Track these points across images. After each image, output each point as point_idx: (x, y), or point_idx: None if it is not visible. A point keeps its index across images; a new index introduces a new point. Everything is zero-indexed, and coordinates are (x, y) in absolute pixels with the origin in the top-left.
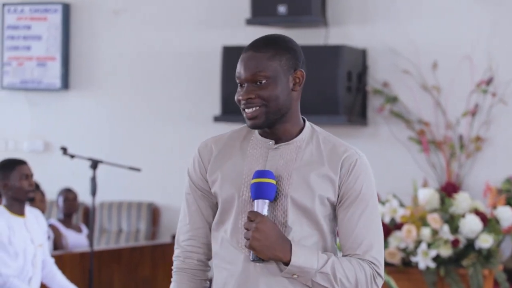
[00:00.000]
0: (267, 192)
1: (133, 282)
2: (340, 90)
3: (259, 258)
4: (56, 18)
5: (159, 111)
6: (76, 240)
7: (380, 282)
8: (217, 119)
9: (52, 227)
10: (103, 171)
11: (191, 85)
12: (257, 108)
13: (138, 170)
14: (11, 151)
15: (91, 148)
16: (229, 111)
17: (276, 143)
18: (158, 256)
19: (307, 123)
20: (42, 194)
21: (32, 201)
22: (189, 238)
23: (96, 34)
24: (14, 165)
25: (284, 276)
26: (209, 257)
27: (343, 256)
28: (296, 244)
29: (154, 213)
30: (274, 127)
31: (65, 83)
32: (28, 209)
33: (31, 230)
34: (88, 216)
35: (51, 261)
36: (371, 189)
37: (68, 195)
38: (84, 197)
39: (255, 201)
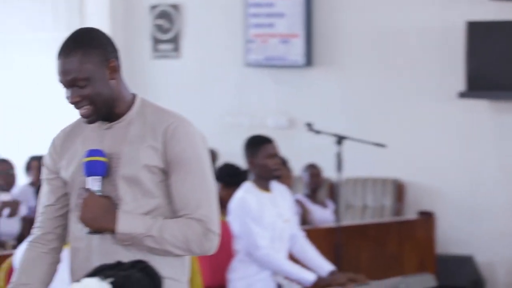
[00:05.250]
0: (97, 169)
1: (381, 258)
2: None
3: (93, 230)
4: None
5: (401, 87)
6: (322, 215)
7: (213, 236)
8: (462, 95)
9: (298, 202)
10: (348, 147)
11: (435, 61)
12: (87, 107)
13: (383, 146)
14: (256, 126)
15: (334, 123)
16: (475, 87)
17: (110, 123)
18: (404, 233)
19: (138, 99)
20: (288, 171)
21: (278, 179)
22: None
23: (338, 11)
24: (260, 143)
25: (119, 244)
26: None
27: (177, 217)
28: (124, 213)
29: (399, 190)
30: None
31: (308, 60)
32: (274, 184)
33: (278, 205)
34: (334, 191)
35: (301, 234)
36: (194, 152)
37: (313, 170)
38: (329, 173)
39: (87, 178)
